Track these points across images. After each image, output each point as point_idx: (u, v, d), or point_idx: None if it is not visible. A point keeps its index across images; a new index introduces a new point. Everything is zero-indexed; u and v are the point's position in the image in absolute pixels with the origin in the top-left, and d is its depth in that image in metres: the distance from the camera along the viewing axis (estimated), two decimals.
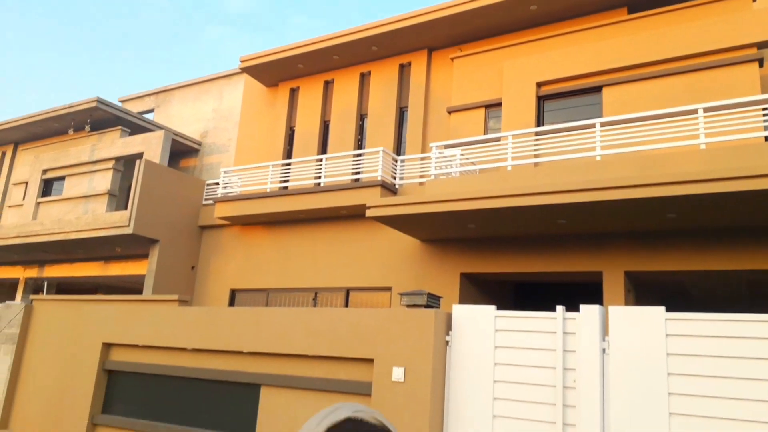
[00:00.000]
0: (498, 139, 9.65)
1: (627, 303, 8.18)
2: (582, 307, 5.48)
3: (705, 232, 7.82)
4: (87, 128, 15.64)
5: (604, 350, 5.36)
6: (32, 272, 16.00)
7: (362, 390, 6.24)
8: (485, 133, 10.64)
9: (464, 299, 9.54)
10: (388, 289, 10.53)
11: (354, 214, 10.92)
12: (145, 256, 12.95)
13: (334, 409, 0.98)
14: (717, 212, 7.06)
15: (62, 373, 8.79)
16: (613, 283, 8.30)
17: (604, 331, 5.47)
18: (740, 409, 4.71)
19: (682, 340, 5.03)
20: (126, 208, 12.63)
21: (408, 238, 10.18)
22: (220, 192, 12.47)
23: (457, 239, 9.71)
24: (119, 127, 14.79)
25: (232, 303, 12.48)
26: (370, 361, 6.28)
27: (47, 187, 15.15)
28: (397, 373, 6.01)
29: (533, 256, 9.01)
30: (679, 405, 4.93)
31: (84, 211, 13.61)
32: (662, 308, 5.14)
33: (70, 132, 15.95)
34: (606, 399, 5.25)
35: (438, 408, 5.91)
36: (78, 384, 8.30)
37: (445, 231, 9.30)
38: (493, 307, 5.98)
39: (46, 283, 14.95)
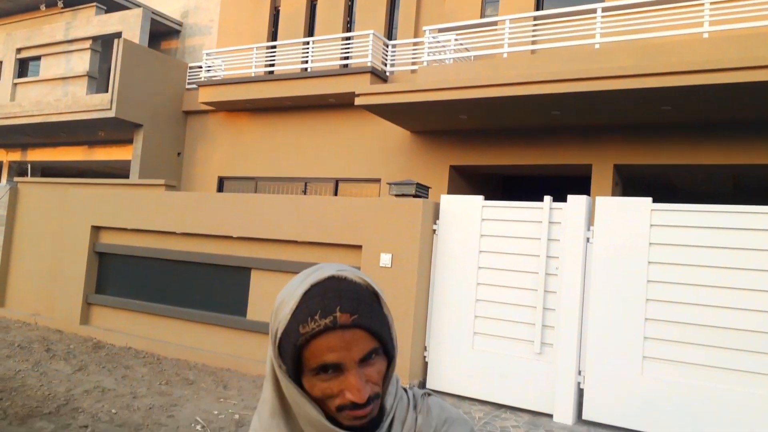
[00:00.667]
0: (495, 24, 9.22)
1: (614, 195, 8.26)
2: (569, 197, 5.52)
3: (696, 127, 7.75)
4: (60, 4, 14.71)
5: (588, 239, 5.46)
6: (15, 156, 15.75)
7: None
8: (482, 18, 10.15)
9: (453, 191, 9.57)
10: (377, 180, 10.51)
11: (343, 103, 10.64)
12: (130, 141, 12.71)
13: (317, 269, 0.93)
14: (713, 105, 6.95)
15: (53, 255, 8.89)
16: (602, 177, 8.33)
17: (590, 221, 5.54)
18: (715, 296, 4.90)
19: (665, 230, 5.12)
20: (107, 91, 12.19)
21: (398, 129, 10.01)
22: (203, 76, 12.02)
23: (447, 131, 9.57)
24: (94, 3, 13.92)
25: (220, 190, 12.46)
26: (359, 247, 6.38)
27: (23, 67, 14.51)
28: (385, 259, 6.13)
29: (524, 149, 8.95)
30: (657, 292, 5.11)
31: (63, 93, 13.14)
32: (649, 199, 5.19)
33: (42, 8, 15.03)
34: (587, 286, 5.42)
35: (423, 293, 6.10)
36: (70, 265, 8.42)
37: (436, 122, 9.13)
38: (480, 197, 6.00)
39: (29, 166, 14.76)
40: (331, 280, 0.90)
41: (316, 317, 0.86)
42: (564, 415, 5.33)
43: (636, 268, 5.18)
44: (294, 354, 0.88)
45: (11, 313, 9.14)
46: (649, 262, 5.14)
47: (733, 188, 9.91)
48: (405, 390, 1.04)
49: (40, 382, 5.87)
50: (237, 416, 5.20)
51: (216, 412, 5.27)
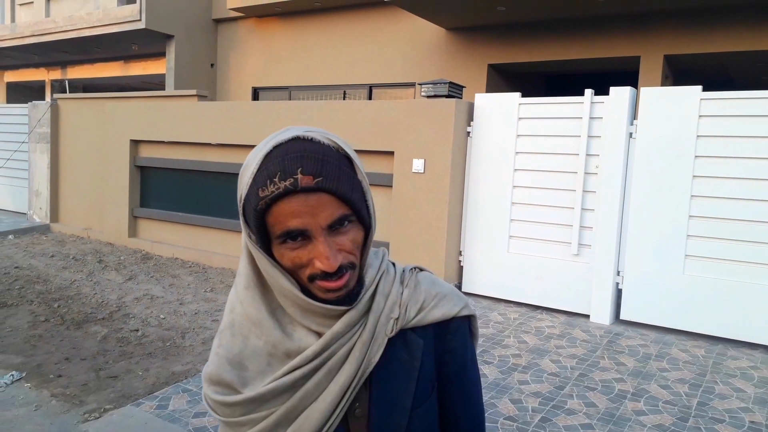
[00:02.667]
0: None
1: None
2: (612, 89, 5.16)
3: (754, 8, 7.03)
4: None
5: (631, 134, 5.16)
6: (56, 74, 15.93)
7: (383, 181, 6.31)
8: None
9: (492, 92, 9.17)
10: (412, 84, 10.15)
11: (374, 1, 10.11)
12: (163, 54, 12.58)
13: (283, 131, 0.84)
14: None
15: (97, 170, 9.13)
16: (651, 69, 7.78)
17: (634, 115, 5.21)
18: (763, 190, 4.61)
19: (715, 121, 4.77)
20: (135, 2, 11.96)
21: (432, 27, 9.50)
22: None
23: (485, 26, 9.01)
24: None
25: (255, 100, 12.35)
26: (391, 153, 6.24)
27: None
28: (417, 165, 6.00)
29: (567, 42, 8.38)
30: (703, 188, 4.85)
31: (95, 6, 12.99)
32: (699, 87, 4.80)
33: None
34: (628, 184, 5.19)
35: (457, 197, 5.99)
36: (114, 180, 8.65)
37: (473, 16, 8.59)
38: (517, 95, 5.70)
39: (67, 83, 14.93)
40: (295, 141, 0.81)
41: (275, 179, 0.78)
42: (601, 315, 5.29)
43: (682, 162, 4.89)
44: (257, 220, 0.81)
45: (65, 227, 9.58)
46: (696, 156, 4.84)
47: None
48: (393, 264, 0.96)
49: (93, 290, 6.20)
50: None
51: None
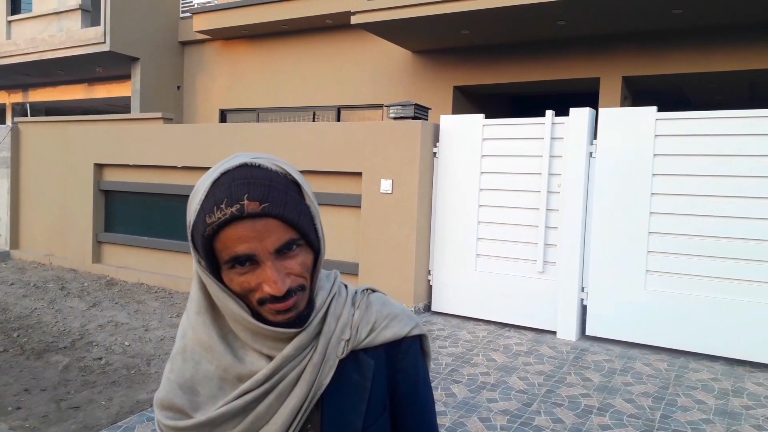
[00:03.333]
0: None
1: None
2: (572, 110, 5.31)
3: (709, 32, 7.34)
4: None
5: (591, 153, 5.30)
6: (17, 97, 15.62)
7: (352, 202, 6.33)
8: None
9: (458, 113, 9.32)
10: (380, 106, 10.25)
11: (341, 24, 10.23)
12: (128, 76, 12.46)
13: (232, 158, 0.86)
14: (726, 6, 6.53)
15: (60, 195, 8.95)
16: (610, 91, 8.02)
17: (593, 135, 5.36)
18: (719, 206, 4.78)
19: (670, 140, 4.94)
20: (100, 24, 11.84)
21: (399, 50, 9.65)
22: (196, 2, 11.58)
23: (450, 49, 9.20)
24: None
25: (223, 123, 12.29)
26: (359, 174, 6.28)
27: (15, 3, 14.12)
28: (385, 185, 6.05)
29: (529, 64, 8.60)
30: (661, 205, 5.00)
31: (58, 28, 12.81)
32: (654, 108, 4.98)
33: None
34: (589, 202, 5.32)
35: (425, 217, 6.04)
36: (77, 205, 8.48)
37: (437, 39, 8.76)
38: (481, 116, 5.81)
39: (29, 107, 14.64)
40: (243, 168, 0.83)
41: (222, 206, 0.79)
42: (567, 331, 5.37)
43: (640, 180, 5.05)
44: (205, 246, 0.82)
45: (26, 254, 9.33)
46: (653, 174, 5.00)
47: (749, 97, 9.52)
48: (345, 286, 0.98)
49: (55, 318, 6.04)
50: None
51: None
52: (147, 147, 7.79)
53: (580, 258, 5.32)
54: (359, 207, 6.28)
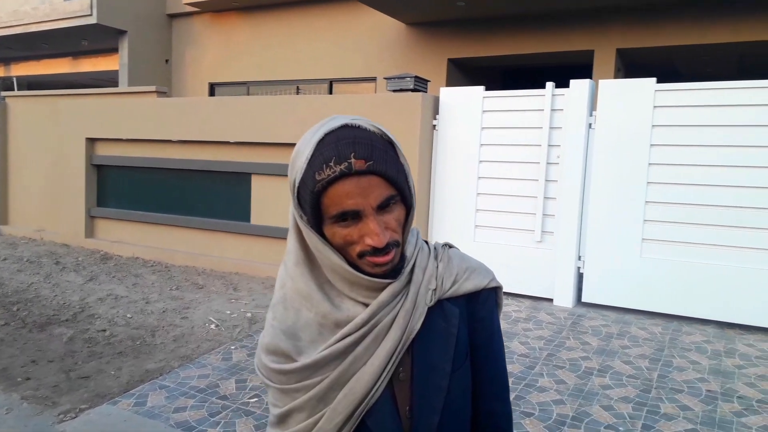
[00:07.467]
0: None
1: None
2: (572, 81, 5.36)
3: (701, 4, 7.40)
4: None
5: (590, 125, 5.37)
6: None
7: None
8: None
9: (452, 86, 9.32)
10: (373, 79, 10.21)
11: None
12: (115, 50, 12.25)
13: (330, 119, 0.91)
14: None
15: (50, 170, 8.84)
16: (604, 63, 8.08)
17: (593, 106, 5.42)
18: (715, 175, 4.89)
19: (668, 111, 5.02)
20: None
21: (393, 22, 9.59)
22: None
23: (445, 21, 9.16)
24: None
25: (212, 96, 12.17)
26: None
27: None
28: None
29: (524, 37, 8.60)
30: (658, 174, 5.10)
31: (41, 1, 12.51)
32: (653, 79, 5.04)
33: None
34: (588, 172, 5.40)
35: (424, 190, 6.09)
36: (69, 180, 8.40)
37: (432, 10, 8.71)
38: (481, 88, 5.84)
39: (15, 80, 14.35)
40: (345, 128, 0.89)
41: (331, 164, 0.85)
42: (564, 298, 5.50)
43: (638, 151, 5.13)
44: (312, 202, 0.88)
45: (16, 229, 9.24)
46: (651, 145, 5.08)
47: (738, 69, 9.63)
48: (425, 242, 1.05)
49: (53, 292, 6.03)
50: (249, 314, 5.38)
51: (228, 312, 5.45)
52: (141, 121, 7.71)
53: (577, 228, 5.42)
54: None
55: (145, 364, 4.23)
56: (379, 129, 0.90)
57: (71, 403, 3.61)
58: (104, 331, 4.91)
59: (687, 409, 3.45)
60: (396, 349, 0.93)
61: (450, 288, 0.99)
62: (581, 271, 5.50)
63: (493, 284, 1.05)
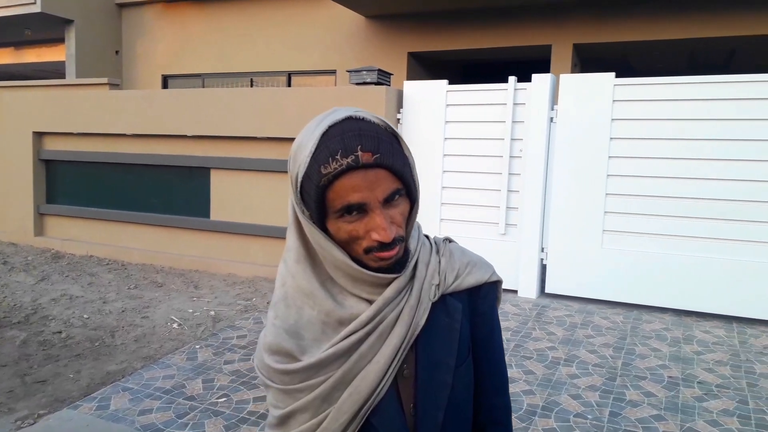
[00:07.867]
0: None
1: None
2: (534, 76, 5.43)
3: (654, 2, 7.63)
4: None
5: (552, 119, 5.46)
6: None
7: None
8: None
9: (412, 80, 9.32)
10: (333, 72, 10.12)
11: None
12: (61, 40, 11.73)
13: (332, 111, 0.88)
14: None
15: None
16: (561, 58, 8.23)
17: (554, 100, 5.51)
18: (673, 167, 5.05)
19: (627, 105, 5.15)
20: None
21: (352, 14, 9.51)
22: None
23: (404, 14, 9.15)
24: None
25: (166, 89, 11.82)
26: None
27: None
28: None
29: (483, 31, 8.68)
30: (618, 167, 5.23)
31: None
32: (612, 74, 5.16)
33: None
34: (550, 166, 5.49)
35: None
36: (14, 175, 8.01)
37: (391, 4, 8.68)
38: (445, 82, 5.85)
39: None
40: (349, 120, 0.85)
41: (338, 156, 0.82)
42: (528, 290, 5.59)
43: (598, 144, 5.25)
44: (317, 196, 0.85)
45: None
46: (611, 138, 5.21)
47: (689, 64, 9.99)
48: (426, 236, 1.04)
49: (2, 293, 5.75)
50: (213, 313, 5.26)
51: (191, 311, 5.32)
52: (92, 114, 7.41)
53: (540, 220, 5.51)
54: None
55: (106, 366, 4.08)
56: (383, 121, 0.88)
57: (29, 408, 3.45)
58: (60, 332, 4.72)
59: (651, 395, 3.56)
60: (401, 346, 0.92)
61: (453, 283, 0.98)
62: (544, 262, 5.60)
63: (494, 278, 1.04)
